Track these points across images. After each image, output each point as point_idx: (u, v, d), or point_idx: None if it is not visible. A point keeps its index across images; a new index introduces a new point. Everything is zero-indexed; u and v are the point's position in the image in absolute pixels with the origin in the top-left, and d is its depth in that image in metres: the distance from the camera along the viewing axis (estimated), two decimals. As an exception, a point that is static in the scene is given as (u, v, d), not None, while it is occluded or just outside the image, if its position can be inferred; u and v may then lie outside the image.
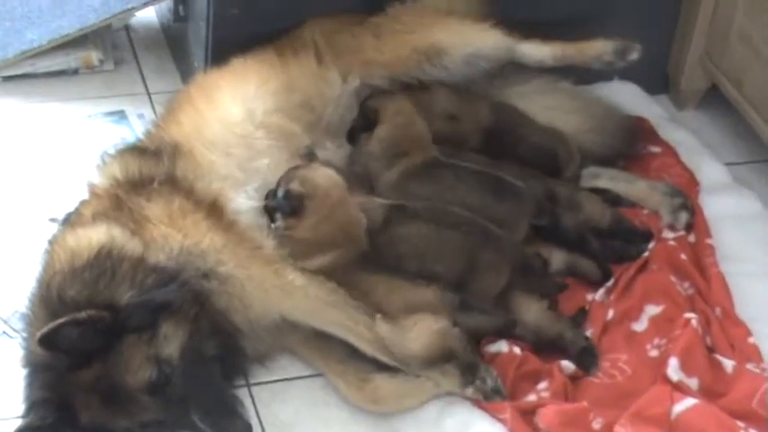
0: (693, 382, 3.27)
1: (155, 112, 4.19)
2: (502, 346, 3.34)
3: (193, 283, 3.16)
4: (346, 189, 3.44)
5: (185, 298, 3.12)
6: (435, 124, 3.82)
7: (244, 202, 3.41)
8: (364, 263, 3.35)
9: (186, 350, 3.07)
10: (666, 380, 3.25)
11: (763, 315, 3.53)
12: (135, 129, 4.20)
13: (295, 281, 3.25)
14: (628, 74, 4.33)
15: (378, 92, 3.81)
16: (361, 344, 3.24)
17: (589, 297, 3.60)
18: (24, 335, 3.18)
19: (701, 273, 3.65)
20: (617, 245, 3.73)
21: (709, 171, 4.08)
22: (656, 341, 3.44)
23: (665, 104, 4.50)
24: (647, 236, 3.77)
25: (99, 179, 3.43)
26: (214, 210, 3.32)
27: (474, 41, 3.86)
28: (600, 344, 3.42)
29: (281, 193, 3.38)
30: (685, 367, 3.28)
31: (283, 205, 3.36)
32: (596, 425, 3.17)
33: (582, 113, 4.08)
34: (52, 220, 3.64)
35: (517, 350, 3.33)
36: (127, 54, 4.62)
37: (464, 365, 3.19)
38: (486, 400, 3.20)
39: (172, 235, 3.22)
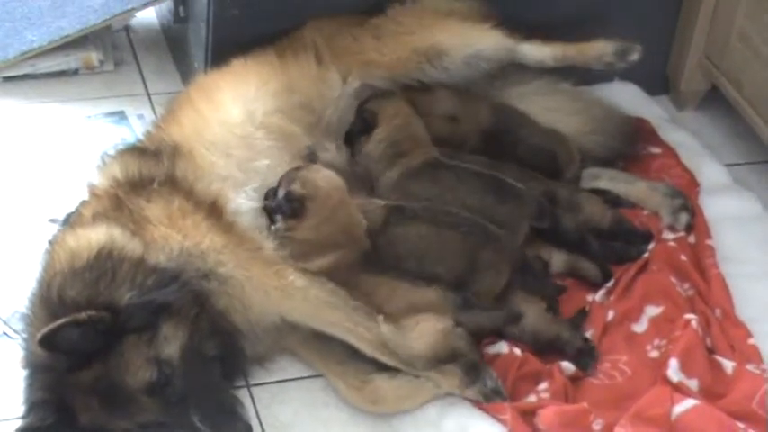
0: (693, 383, 3.27)
1: (155, 113, 4.19)
2: (502, 347, 3.34)
3: (193, 283, 3.16)
4: (347, 190, 3.44)
5: (185, 299, 3.12)
6: (435, 125, 3.82)
7: (244, 203, 3.41)
8: (366, 264, 3.35)
9: (186, 351, 3.07)
10: (666, 381, 3.25)
11: (762, 316, 3.53)
12: (135, 129, 4.20)
13: (295, 282, 3.25)
14: (628, 75, 4.33)
15: (376, 94, 3.81)
16: (362, 345, 3.23)
17: (589, 298, 3.60)
18: (24, 335, 3.18)
19: (701, 274, 3.65)
20: (617, 246, 3.73)
21: (710, 172, 4.09)
22: (657, 342, 3.44)
23: (665, 105, 4.51)
24: (647, 237, 3.77)
25: (99, 180, 3.43)
26: (214, 210, 3.32)
27: (474, 42, 3.86)
28: (600, 345, 3.42)
29: (281, 194, 3.38)
30: (685, 368, 3.28)
31: (284, 207, 3.37)
32: (596, 426, 3.17)
33: (582, 114, 4.08)
34: (52, 220, 3.64)
35: (517, 351, 3.33)
36: (127, 55, 4.62)
37: (468, 365, 3.20)
38: (487, 400, 3.20)
39: (172, 236, 3.22)
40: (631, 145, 4.11)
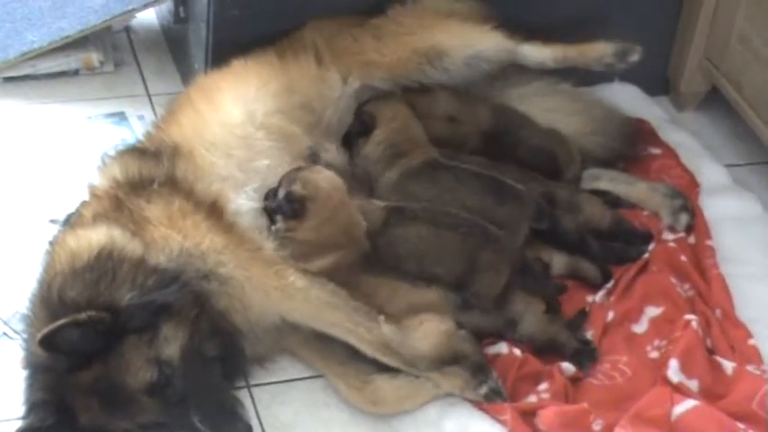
0: (693, 384, 3.27)
1: (155, 114, 4.19)
2: (502, 348, 3.34)
3: (194, 284, 3.16)
4: (347, 191, 3.44)
5: (186, 299, 3.12)
6: (435, 127, 3.82)
7: (244, 204, 3.41)
8: (366, 264, 3.35)
9: (186, 351, 3.07)
10: (667, 381, 3.25)
11: (763, 317, 3.53)
12: (135, 130, 4.20)
13: (296, 282, 3.24)
14: (628, 76, 4.33)
15: (374, 96, 3.81)
16: (362, 345, 3.23)
17: (589, 299, 3.60)
18: (25, 336, 3.18)
19: (701, 274, 3.65)
20: (617, 246, 3.73)
21: (710, 173, 4.09)
22: (657, 343, 3.44)
23: (665, 106, 4.51)
24: (647, 237, 3.77)
25: (99, 180, 3.43)
26: (214, 211, 3.31)
27: (475, 43, 3.86)
28: (600, 346, 3.42)
29: (282, 194, 3.38)
30: (685, 369, 3.28)
31: (285, 207, 3.37)
32: (596, 426, 3.17)
33: (582, 115, 4.08)
34: (53, 221, 3.64)
35: (517, 352, 3.33)
36: (127, 55, 4.63)
37: (474, 366, 3.20)
38: (487, 401, 3.20)
39: (172, 236, 3.22)
40: (631, 146, 4.11)
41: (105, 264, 3.10)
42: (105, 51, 4.52)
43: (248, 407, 3.22)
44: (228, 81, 3.68)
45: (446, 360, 3.20)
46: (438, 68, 3.85)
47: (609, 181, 3.95)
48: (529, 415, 3.18)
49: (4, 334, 3.43)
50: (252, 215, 3.41)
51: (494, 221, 3.51)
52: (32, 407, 3.04)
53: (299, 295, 3.24)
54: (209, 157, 3.45)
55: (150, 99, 4.40)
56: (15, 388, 3.14)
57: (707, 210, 3.89)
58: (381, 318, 3.21)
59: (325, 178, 3.43)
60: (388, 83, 3.84)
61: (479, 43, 3.87)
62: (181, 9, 4.23)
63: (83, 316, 2.95)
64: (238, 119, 3.56)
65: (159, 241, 3.21)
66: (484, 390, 3.19)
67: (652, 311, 3.53)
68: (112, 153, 3.56)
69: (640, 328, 3.50)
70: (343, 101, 3.80)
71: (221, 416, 3.05)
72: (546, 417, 3.15)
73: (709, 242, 3.76)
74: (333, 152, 3.71)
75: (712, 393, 3.26)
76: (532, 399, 3.25)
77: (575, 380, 3.32)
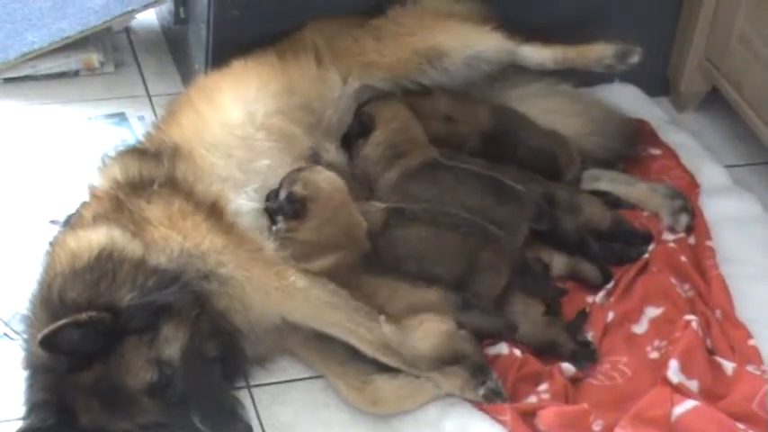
0: (693, 384, 3.27)
1: (155, 114, 4.19)
2: (502, 349, 3.34)
3: (194, 284, 3.16)
4: (347, 191, 3.44)
5: (186, 300, 3.12)
6: (434, 128, 3.82)
7: (244, 204, 3.41)
8: (367, 265, 3.35)
9: (187, 352, 3.07)
10: (667, 382, 3.25)
11: (763, 317, 3.53)
12: (135, 131, 4.20)
13: (296, 283, 3.24)
14: (628, 76, 4.33)
15: (374, 97, 3.81)
16: (363, 345, 3.23)
17: (589, 299, 3.60)
18: (25, 336, 3.18)
19: (701, 275, 3.65)
20: (617, 247, 3.73)
21: (710, 173, 4.09)
22: (657, 343, 3.44)
23: (665, 107, 4.51)
24: (647, 238, 3.77)
25: (99, 181, 3.43)
26: (214, 211, 3.32)
27: (475, 44, 3.86)
28: (600, 346, 3.42)
29: (283, 195, 3.38)
30: (685, 369, 3.28)
31: (286, 208, 3.37)
32: (596, 427, 3.17)
33: (582, 116, 4.08)
34: (53, 221, 3.64)
35: (517, 352, 3.33)
36: (127, 56, 4.63)
37: (475, 367, 3.20)
38: (487, 401, 3.20)
39: (172, 237, 3.22)
40: (631, 146, 4.11)
41: (105, 264, 3.10)
42: (105, 52, 4.53)
43: (248, 407, 3.22)
44: (229, 82, 3.69)
45: (446, 360, 3.20)
46: (438, 69, 3.85)
47: (609, 182, 3.95)
48: (529, 415, 3.18)
49: (5, 335, 3.43)
50: (252, 216, 3.41)
51: (494, 222, 3.51)
52: (33, 407, 3.04)
53: (299, 295, 3.24)
54: (210, 157, 3.46)
55: (150, 100, 4.40)
56: (16, 388, 3.14)
57: (707, 210, 3.90)
58: (382, 318, 3.21)
59: (326, 179, 3.43)
60: (388, 83, 3.84)
61: (479, 44, 3.87)
62: (181, 10, 4.24)
63: (83, 316, 2.95)
64: (239, 119, 3.56)
65: (159, 242, 3.21)
66: (484, 390, 3.19)
67: (652, 312, 3.53)
68: (113, 154, 3.56)
69: (640, 328, 3.50)
70: (344, 101, 3.81)
71: (221, 416, 3.05)
72: (546, 417, 3.15)
73: (709, 243, 3.76)
74: (333, 152, 3.71)
75: (712, 394, 3.26)
76: (532, 399, 3.25)
77: (575, 380, 3.32)
